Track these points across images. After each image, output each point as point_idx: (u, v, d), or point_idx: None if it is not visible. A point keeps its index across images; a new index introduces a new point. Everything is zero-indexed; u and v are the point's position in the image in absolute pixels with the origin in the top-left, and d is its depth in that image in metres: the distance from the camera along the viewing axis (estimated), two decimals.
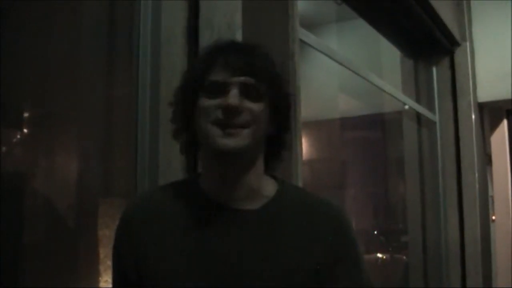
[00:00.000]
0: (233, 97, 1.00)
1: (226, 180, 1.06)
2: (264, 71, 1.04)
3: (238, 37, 1.58)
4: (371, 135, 4.63)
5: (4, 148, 1.36)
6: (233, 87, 1.01)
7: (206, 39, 1.53)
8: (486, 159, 4.73)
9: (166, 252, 1.04)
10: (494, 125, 4.88)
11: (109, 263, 1.44)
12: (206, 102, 1.02)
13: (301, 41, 2.13)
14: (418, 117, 4.18)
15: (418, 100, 4.18)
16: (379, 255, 4.84)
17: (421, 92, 4.28)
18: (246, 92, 1.02)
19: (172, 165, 1.46)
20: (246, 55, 1.05)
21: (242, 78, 1.02)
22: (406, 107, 3.99)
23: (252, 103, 1.02)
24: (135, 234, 1.07)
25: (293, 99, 1.14)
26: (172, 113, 1.12)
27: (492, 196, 4.91)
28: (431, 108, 4.23)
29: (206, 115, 1.02)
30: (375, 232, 5.41)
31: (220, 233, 1.04)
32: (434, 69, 4.30)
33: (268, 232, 1.06)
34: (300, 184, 1.77)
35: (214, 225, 1.05)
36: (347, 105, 4.31)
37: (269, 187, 1.12)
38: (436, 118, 4.21)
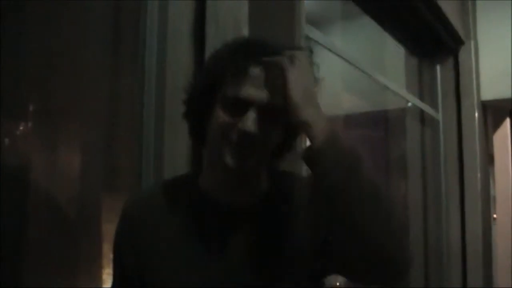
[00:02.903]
0: (250, 122, 0.92)
1: (229, 182, 1.05)
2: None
3: (244, 33, 1.58)
4: (374, 132, 4.63)
5: (7, 142, 1.36)
6: (251, 107, 0.93)
7: (212, 35, 1.52)
8: (488, 158, 4.72)
9: (168, 252, 1.03)
10: (497, 124, 4.86)
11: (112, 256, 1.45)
12: (221, 117, 0.96)
13: (307, 37, 2.13)
14: (422, 115, 4.17)
15: (421, 98, 4.17)
16: None
17: (425, 90, 4.27)
18: (264, 114, 0.94)
19: (177, 160, 1.47)
20: (271, 67, 0.94)
21: (263, 97, 0.93)
22: (410, 104, 3.98)
23: (268, 127, 0.95)
24: (136, 233, 1.06)
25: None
26: (186, 106, 1.06)
27: (493, 196, 4.90)
28: (434, 106, 4.22)
29: (220, 130, 0.96)
30: None
31: (221, 232, 1.03)
32: (438, 67, 4.28)
33: (266, 226, 1.04)
34: None
35: (215, 224, 1.04)
36: (350, 102, 4.31)
37: (268, 180, 1.10)
38: (440, 116, 4.20)
